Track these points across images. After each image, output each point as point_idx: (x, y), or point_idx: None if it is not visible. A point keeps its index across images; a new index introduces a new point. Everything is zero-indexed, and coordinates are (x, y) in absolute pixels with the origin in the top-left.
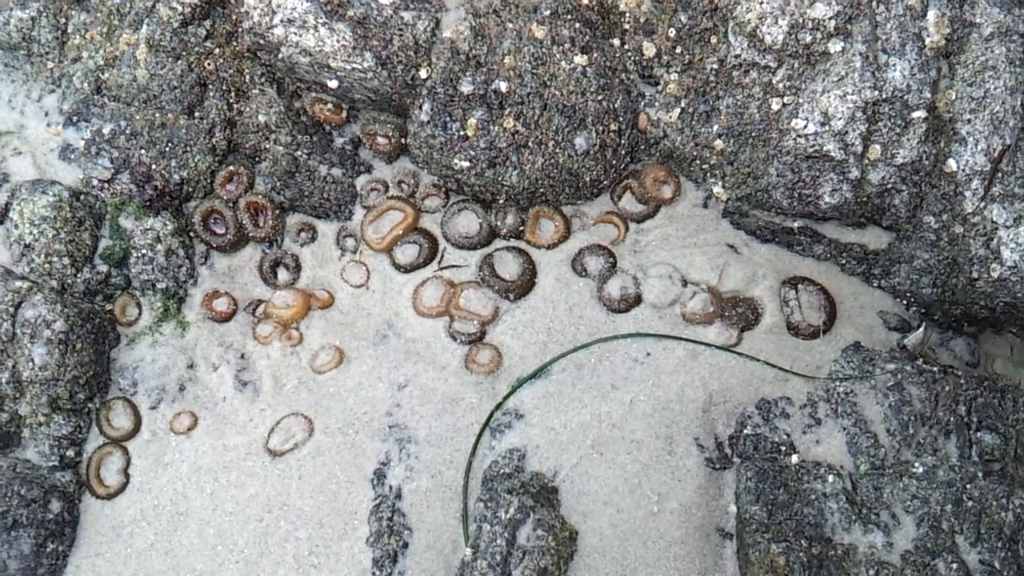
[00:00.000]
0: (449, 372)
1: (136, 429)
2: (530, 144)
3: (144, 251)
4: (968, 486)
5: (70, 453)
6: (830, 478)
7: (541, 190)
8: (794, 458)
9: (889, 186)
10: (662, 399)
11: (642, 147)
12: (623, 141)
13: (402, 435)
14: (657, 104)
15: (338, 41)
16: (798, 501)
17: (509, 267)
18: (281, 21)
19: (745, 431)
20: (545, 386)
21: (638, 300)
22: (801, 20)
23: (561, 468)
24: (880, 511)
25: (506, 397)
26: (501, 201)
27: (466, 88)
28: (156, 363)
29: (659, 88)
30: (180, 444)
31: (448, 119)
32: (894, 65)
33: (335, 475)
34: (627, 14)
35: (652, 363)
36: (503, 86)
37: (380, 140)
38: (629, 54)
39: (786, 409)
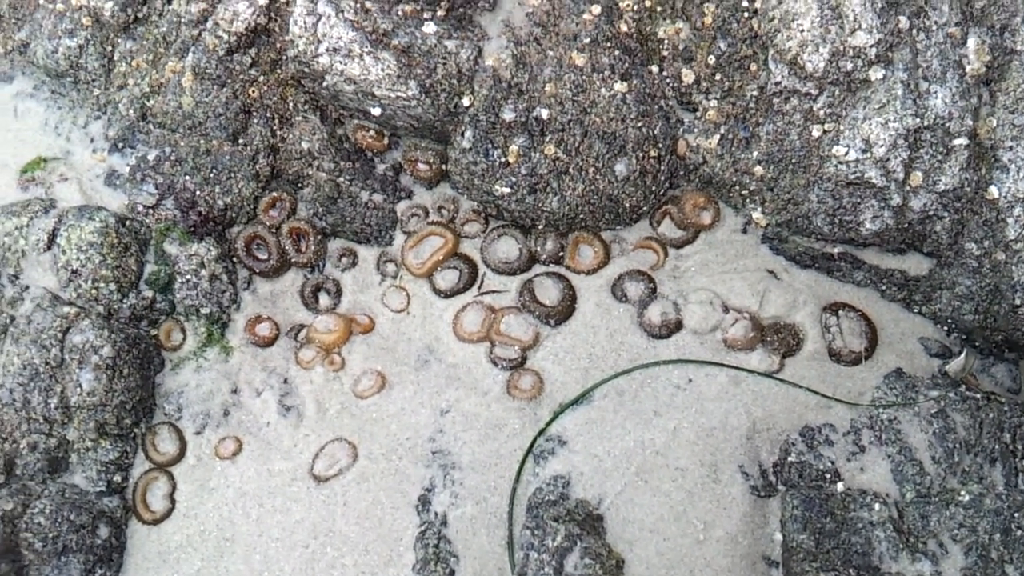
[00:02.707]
0: (491, 398)
1: (181, 454)
2: (571, 170)
3: (188, 276)
4: (1016, 515)
5: (117, 478)
6: (876, 506)
7: (581, 216)
8: (840, 486)
9: (931, 213)
10: (705, 426)
11: (681, 173)
12: (662, 167)
13: (446, 461)
14: (696, 130)
15: (383, 70)
16: (845, 530)
17: (549, 292)
18: (326, 50)
19: (789, 458)
20: (587, 412)
21: (679, 326)
22: (842, 48)
23: (606, 495)
24: (927, 540)
25: (549, 423)
26: (541, 227)
27: (508, 115)
28: (201, 388)
29: (698, 114)
30: (225, 469)
31: (490, 146)
32: (935, 92)
33: (380, 501)
34: (665, 41)
35: (694, 390)
36: (544, 113)
37: (421, 166)
38: (668, 81)
39: (830, 436)
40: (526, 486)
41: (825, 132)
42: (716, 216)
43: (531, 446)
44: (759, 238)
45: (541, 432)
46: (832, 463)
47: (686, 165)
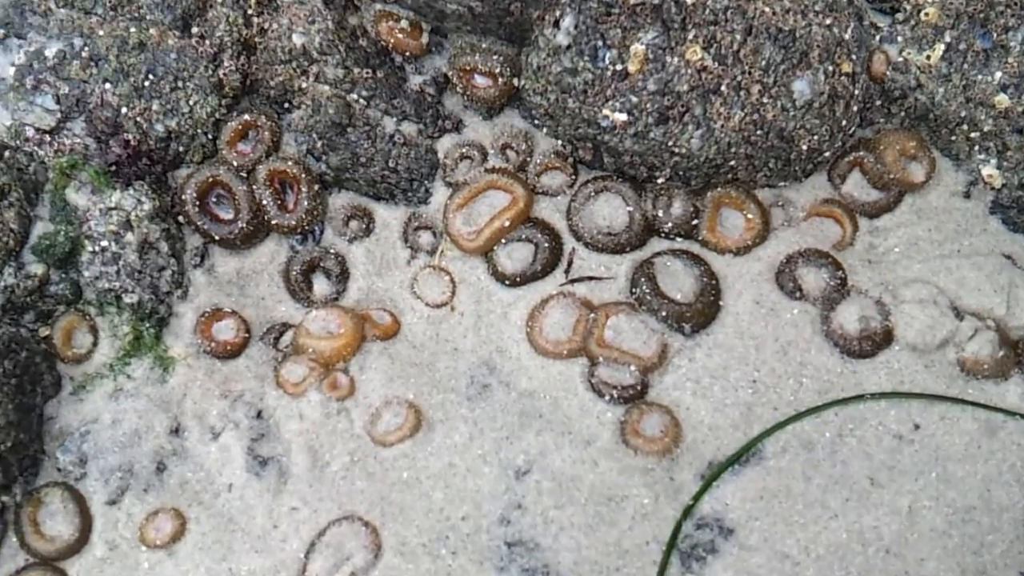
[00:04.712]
0: (597, 449)
1: (83, 539)
2: (724, 88)
3: (105, 243)
4: None
5: None
6: None
7: (730, 162)
8: None
9: None
10: (957, 505)
11: (877, 103)
12: (856, 90)
13: (533, 562)
14: (901, 39)
15: None
16: None
17: (679, 281)
18: None
19: None
20: (760, 478)
21: (888, 338)
22: None
23: None
24: None
25: (698, 496)
26: (662, 179)
27: None
28: (119, 426)
29: (902, 17)
30: (157, 566)
31: (599, 43)
32: None
33: None
34: None
35: (927, 441)
36: None
37: (479, 81)
38: None
39: None
40: None
41: None
42: (930, 170)
43: (674, 537)
44: (987, 205)
45: (688, 511)
46: None
47: (885, 91)
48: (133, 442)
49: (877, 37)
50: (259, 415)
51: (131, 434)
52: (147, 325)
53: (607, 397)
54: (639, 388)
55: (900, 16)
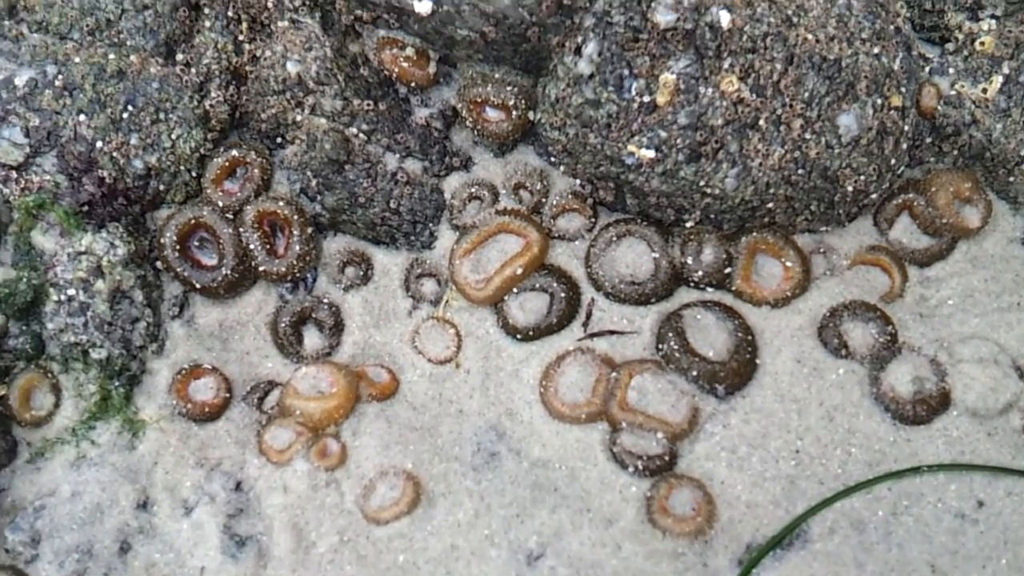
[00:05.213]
0: (620, 530)
1: None
2: (763, 122)
3: (72, 291)
4: None
5: None
6: None
7: (768, 205)
8: None
9: None
10: None
11: (928, 141)
12: (906, 127)
13: None
14: (954, 71)
15: None
16: None
17: (711, 336)
18: None
19: None
20: (805, 563)
21: (945, 402)
22: None
23: None
24: None
25: None
26: (691, 223)
27: (663, 17)
28: (80, 499)
29: (953, 48)
30: None
31: (627, 72)
32: None
33: None
34: None
35: (993, 521)
36: (724, 19)
37: (490, 114)
38: None
39: None
40: None
41: None
42: (986, 214)
43: None
44: None
45: None
46: None
47: (936, 128)
48: (94, 518)
49: (926, 69)
50: (238, 487)
51: (92, 509)
52: (116, 384)
53: (631, 468)
54: (667, 458)
55: (951, 46)
